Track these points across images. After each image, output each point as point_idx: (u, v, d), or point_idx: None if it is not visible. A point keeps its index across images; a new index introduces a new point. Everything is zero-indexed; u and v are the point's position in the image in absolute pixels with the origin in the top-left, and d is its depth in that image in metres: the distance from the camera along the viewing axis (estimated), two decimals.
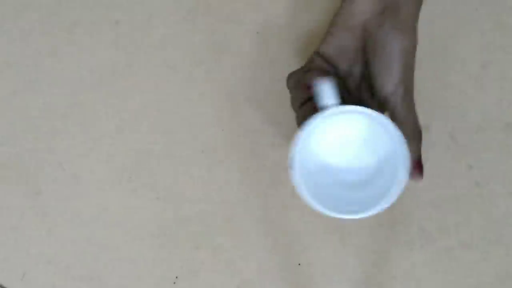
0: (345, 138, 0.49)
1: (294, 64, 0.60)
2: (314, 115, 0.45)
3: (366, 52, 0.49)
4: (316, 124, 0.46)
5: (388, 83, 0.47)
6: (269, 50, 0.61)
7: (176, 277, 0.58)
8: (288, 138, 0.60)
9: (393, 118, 0.48)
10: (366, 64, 0.49)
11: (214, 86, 0.61)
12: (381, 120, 0.45)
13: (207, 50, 0.62)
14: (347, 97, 0.50)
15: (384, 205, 0.46)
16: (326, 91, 0.45)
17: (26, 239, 0.60)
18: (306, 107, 0.48)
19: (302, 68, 0.51)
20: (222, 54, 0.61)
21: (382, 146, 0.48)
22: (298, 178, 0.46)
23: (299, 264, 0.58)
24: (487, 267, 0.56)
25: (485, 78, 0.59)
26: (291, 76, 0.51)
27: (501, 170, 0.58)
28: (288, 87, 0.51)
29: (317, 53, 0.50)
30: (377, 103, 0.49)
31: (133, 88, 0.62)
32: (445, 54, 0.60)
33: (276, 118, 0.60)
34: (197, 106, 0.61)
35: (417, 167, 0.49)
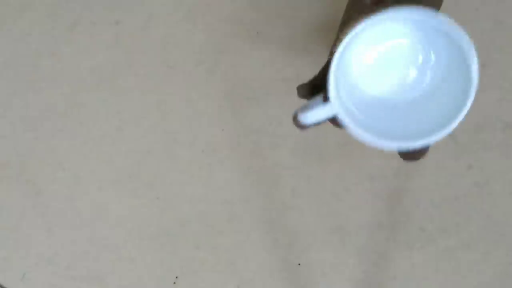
0: (390, 51, 0.42)
1: (294, 64, 0.60)
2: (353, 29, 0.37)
3: None
4: (354, 38, 0.37)
5: None
6: (268, 50, 0.61)
7: (176, 277, 0.58)
8: (288, 137, 0.60)
9: None
10: None
11: (214, 86, 0.61)
12: (439, 23, 0.37)
13: (207, 50, 0.62)
14: None
15: (438, 134, 0.37)
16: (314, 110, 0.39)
17: (26, 239, 0.60)
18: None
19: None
20: (222, 54, 0.61)
21: (440, 59, 0.41)
22: (335, 101, 0.38)
23: (299, 264, 0.58)
24: (487, 267, 0.56)
25: (485, 78, 0.59)
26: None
27: (501, 170, 0.58)
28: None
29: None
30: None
31: (133, 88, 0.62)
32: None
33: (276, 118, 0.60)
34: (197, 106, 0.61)
35: None
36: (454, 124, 0.37)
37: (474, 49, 0.38)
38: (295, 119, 0.42)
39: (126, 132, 0.61)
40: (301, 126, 0.42)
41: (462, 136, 0.58)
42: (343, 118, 0.38)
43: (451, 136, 0.59)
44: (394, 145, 0.39)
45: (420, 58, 0.42)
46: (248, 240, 0.58)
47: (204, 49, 0.62)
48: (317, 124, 0.41)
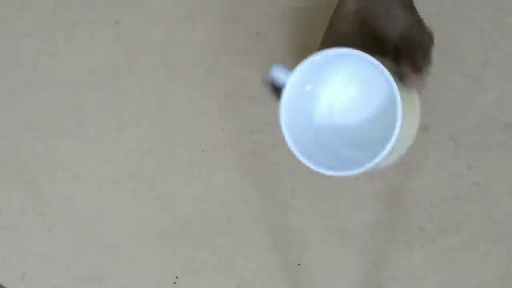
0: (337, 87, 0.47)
1: (294, 64, 0.60)
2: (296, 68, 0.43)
3: (364, 27, 0.47)
4: (299, 76, 0.44)
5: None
6: (269, 50, 0.61)
7: (176, 277, 0.58)
8: None
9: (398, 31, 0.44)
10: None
11: (214, 86, 0.61)
12: (371, 63, 0.40)
13: (207, 50, 0.62)
14: None
15: (373, 161, 0.40)
16: (279, 72, 0.44)
17: (26, 239, 0.60)
18: None
19: None
20: (222, 54, 0.61)
21: (377, 94, 0.44)
22: (285, 129, 0.44)
23: (299, 264, 0.58)
24: (487, 267, 0.56)
25: (485, 78, 0.59)
26: None
27: (501, 170, 0.58)
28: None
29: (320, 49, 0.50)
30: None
31: (133, 88, 0.62)
32: (445, 54, 0.60)
33: (276, 118, 0.60)
34: (197, 106, 0.61)
35: (415, 69, 0.42)
36: (377, 160, 0.40)
37: (399, 96, 0.40)
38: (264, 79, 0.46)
39: (126, 132, 0.61)
40: (266, 83, 0.46)
41: (462, 136, 0.58)
42: (281, 120, 0.45)
43: (451, 136, 0.59)
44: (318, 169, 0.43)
45: (364, 88, 0.46)
46: (248, 240, 0.58)
47: (204, 49, 0.62)
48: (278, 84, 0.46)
